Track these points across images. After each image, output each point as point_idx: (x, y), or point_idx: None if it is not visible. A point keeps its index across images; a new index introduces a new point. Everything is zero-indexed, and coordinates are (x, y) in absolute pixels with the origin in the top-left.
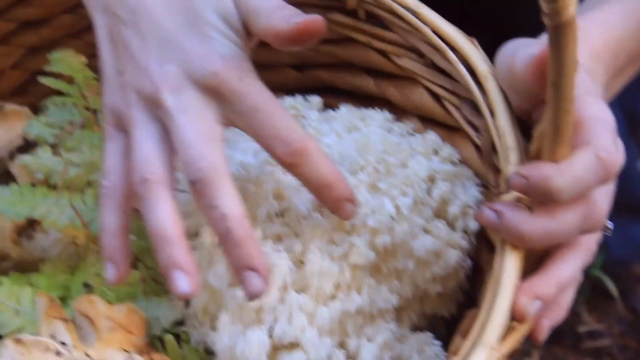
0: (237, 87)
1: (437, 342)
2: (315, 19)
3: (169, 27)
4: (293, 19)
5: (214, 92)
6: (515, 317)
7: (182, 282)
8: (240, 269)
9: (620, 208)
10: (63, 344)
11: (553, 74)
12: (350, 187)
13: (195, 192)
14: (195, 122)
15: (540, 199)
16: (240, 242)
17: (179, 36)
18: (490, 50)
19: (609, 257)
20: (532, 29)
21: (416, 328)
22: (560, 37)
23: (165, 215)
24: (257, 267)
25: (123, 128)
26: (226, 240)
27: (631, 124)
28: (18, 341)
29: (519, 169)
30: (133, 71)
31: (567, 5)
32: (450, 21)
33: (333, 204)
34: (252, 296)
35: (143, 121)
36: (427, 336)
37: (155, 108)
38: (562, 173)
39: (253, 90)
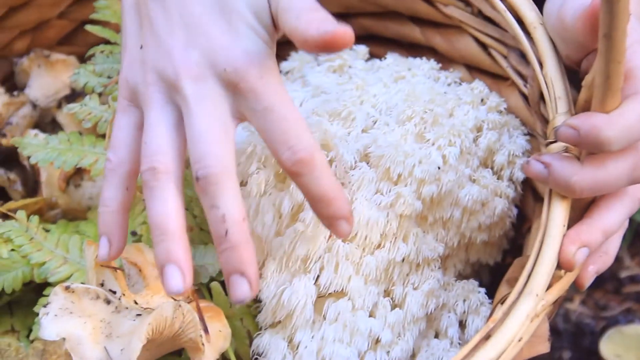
0: (255, 86)
1: (482, 290)
2: (345, 31)
3: (198, 10)
4: (323, 26)
5: (233, 86)
6: (563, 265)
7: (175, 279)
8: (230, 272)
9: None
10: (112, 292)
11: (605, 26)
12: (348, 205)
13: (198, 188)
14: (211, 114)
15: (590, 149)
16: (236, 246)
17: (206, 21)
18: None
19: None
20: None
21: (461, 275)
22: None
23: (168, 208)
24: (247, 273)
25: (137, 104)
26: (222, 242)
27: None
28: (68, 289)
29: (568, 119)
30: (155, 50)
31: None
32: None
33: (328, 219)
34: (237, 301)
35: (160, 104)
36: (471, 284)
37: (173, 92)
38: (612, 123)
39: (271, 91)
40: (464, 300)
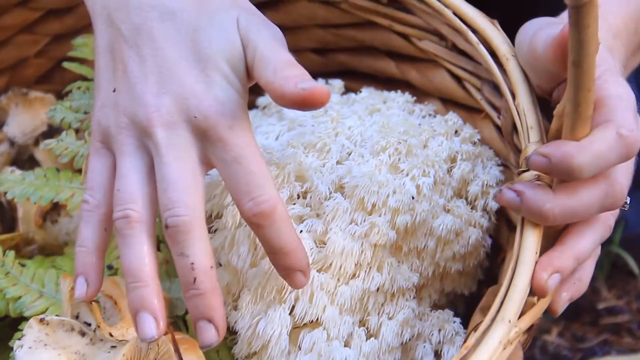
0: (225, 136)
1: (457, 319)
2: (322, 89)
3: (172, 55)
4: (301, 83)
5: (202, 134)
6: (536, 291)
7: (149, 326)
8: (198, 318)
9: (634, 183)
10: (87, 324)
11: (574, 53)
12: (306, 258)
13: (167, 236)
14: (181, 161)
15: (561, 177)
16: (204, 293)
17: (180, 68)
18: (507, 28)
19: (628, 232)
20: (549, 7)
21: (436, 305)
22: (582, 16)
23: (141, 255)
24: (214, 319)
25: (110, 147)
26: (190, 289)
27: None
28: (42, 321)
29: (540, 148)
30: (128, 95)
31: None
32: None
33: (285, 270)
34: (204, 346)
35: (131, 149)
36: (447, 313)
37: (145, 137)
38: (583, 151)
39: (239, 142)
40: (439, 330)
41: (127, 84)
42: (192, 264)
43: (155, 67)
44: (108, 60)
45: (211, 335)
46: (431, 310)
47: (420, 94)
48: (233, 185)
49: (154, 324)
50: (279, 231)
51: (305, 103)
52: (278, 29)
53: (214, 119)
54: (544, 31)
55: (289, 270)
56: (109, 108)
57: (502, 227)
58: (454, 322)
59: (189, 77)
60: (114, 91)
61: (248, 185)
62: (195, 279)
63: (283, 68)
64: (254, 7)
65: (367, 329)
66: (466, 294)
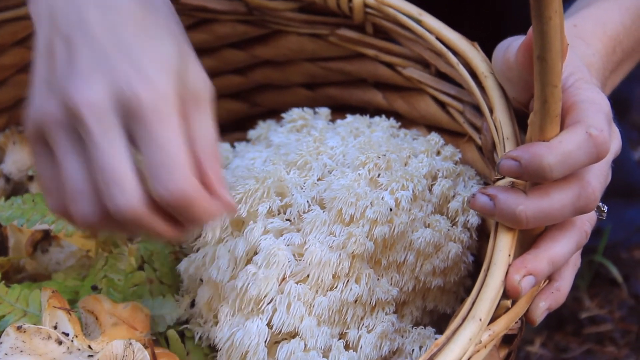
0: (150, 117)
1: (439, 337)
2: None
3: (104, 42)
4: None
5: (132, 115)
6: (508, 292)
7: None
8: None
9: (613, 193)
10: (65, 334)
11: (538, 48)
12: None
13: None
14: (112, 145)
15: (532, 179)
16: None
17: (112, 52)
18: (484, 45)
19: (610, 240)
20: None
21: (418, 324)
22: (543, 7)
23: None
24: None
25: (45, 142)
26: None
27: (619, 108)
28: (19, 329)
29: (509, 152)
30: (59, 84)
31: None
32: (445, 17)
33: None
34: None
35: (66, 144)
36: (428, 330)
37: (76, 124)
38: (552, 150)
39: (163, 126)
40: (420, 347)
41: (57, 75)
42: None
43: (86, 54)
44: (44, 56)
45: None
46: (413, 327)
47: (407, 122)
48: (148, 167)
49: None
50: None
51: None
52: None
53: (145, 98)
54: (516, 42)
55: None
56: (43, 101)
57: (484, 245)
58: (436, 339)
59: (121, 61)
60: (47, 84)
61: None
62: None
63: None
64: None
65: (346, 342)
66: (449, 312)
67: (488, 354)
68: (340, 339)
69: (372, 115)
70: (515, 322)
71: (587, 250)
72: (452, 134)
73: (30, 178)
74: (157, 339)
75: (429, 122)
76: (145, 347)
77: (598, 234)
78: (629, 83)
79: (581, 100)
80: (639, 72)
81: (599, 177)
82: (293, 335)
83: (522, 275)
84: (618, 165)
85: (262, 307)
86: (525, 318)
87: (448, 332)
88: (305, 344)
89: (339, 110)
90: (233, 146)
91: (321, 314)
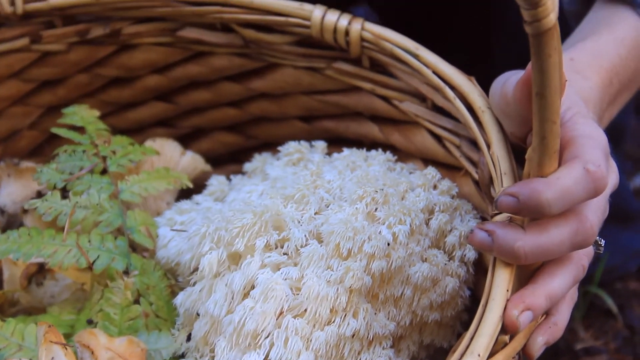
0: None
1: None
2: None
3: None
4: None
5: None
6: (507, 327)
7: None
8: None
9: (609, 218)
10: None
11: (537, 85)
12: None
13: None
14: None
15: (530, 214)
16: None
17: None
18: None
19: (606, 267)
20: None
21: (415, 359)
22: (542, 45)
23: None
24: None
25: None
26: None
27: (613, 139)
28: None
29: (507, 188)
30: None
31: (548, 13)
32: (431, 38)
33: None
34: None
35: None
36: None
37: None
38: (550, 186)
39: None
40: None
41: None
42: None
43: None
44: None
45: None
46: None
47: (403, 155)
48: None
49: None
50: None
51: None
52: None
53: None
54: (513, 77)
55: None
56: None
57: (481, 280)
58: None
59: None
60: None
61: None
62: None
63: None
64: None
65: None
66: (445, 347)
67: None
68: None
69: (368, 149)
70: (513, 358)
71: (583, 279)
72: (448, 168)
73: (25, 211)
74: None
75: (426, 155)
76: None
77: (595, 260)
78: (623, 113)
79: (579, 136)
80: (632, 102)
81: (596, 212)
82: None
83: (520, 311)
84: (615, 193)
85: (259, 342)
86: (523, 353)
87: None
88: None
89: (335, 143)
90: (229, 179)
91: (319, 348)
